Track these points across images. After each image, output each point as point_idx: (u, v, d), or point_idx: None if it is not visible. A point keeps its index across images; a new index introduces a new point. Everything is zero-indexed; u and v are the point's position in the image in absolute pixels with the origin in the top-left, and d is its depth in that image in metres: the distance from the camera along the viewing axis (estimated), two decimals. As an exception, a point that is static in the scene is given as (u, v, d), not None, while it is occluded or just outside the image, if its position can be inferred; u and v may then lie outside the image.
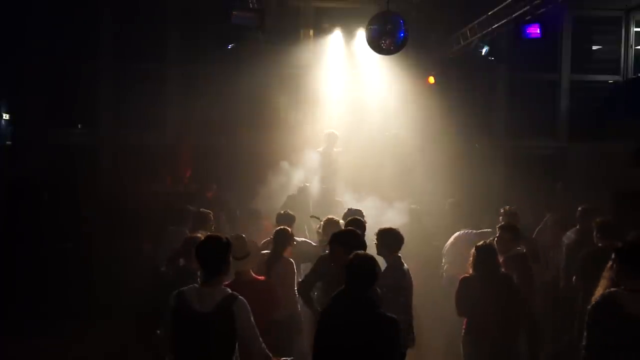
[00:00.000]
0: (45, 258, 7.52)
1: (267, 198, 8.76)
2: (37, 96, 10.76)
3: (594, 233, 6.03)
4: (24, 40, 10.27)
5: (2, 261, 7.41)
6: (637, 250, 3.78)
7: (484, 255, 5.11)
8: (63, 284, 7.34)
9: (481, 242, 5.28)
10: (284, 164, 9.31)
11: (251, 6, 8.73)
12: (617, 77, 12.12)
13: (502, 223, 6.12)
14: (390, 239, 5.03)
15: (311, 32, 11.13)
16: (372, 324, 3.54)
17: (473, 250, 5.21)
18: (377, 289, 4.74)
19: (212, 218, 6.52)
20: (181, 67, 11.29)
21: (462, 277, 5.23)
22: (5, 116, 10.99)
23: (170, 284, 4.85)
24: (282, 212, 6.80)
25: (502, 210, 6.98)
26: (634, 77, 11.92)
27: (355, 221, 5.29)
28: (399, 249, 5.05)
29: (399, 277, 4.94)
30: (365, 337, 3.51)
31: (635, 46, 12.05)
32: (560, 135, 12.09)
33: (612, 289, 3.74)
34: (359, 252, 3.77)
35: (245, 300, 3.71)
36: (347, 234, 4.52)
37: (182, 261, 5.24)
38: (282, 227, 5.82)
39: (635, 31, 12.05)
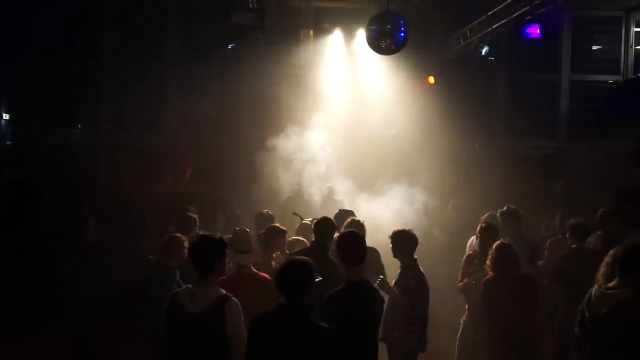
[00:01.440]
0: (45, 258, 7.51)
1: (267, 197, 8.77)
2: (37, 96, 10.76)
3: (567, 234, 6.05)
4: (24, 41, 10.25)
5: (1, 261, 7.40)
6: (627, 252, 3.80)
7: (499, 254, 5.09)
8: (63, 283, 7.32)
9: (498, 242, 5.24)
10: (290, 129, 9.11)
11: (251, 6, 8.74)
12: (617, 77, 12.15)
13: (483, 224, 6.04)
14: (405, 240, 5.01)
15: (311, 32, 11.12)
16: (301, 335, 3.34)
17: (491, 250, 5.18)
18: (397, 287, 4.78)
19: (198, 223, 6.38)
20: (181, 67, 11.29)
21: (484, 279, 5.20)
22: (5, 116, 10.99)
23: (146, 281, 5.01)
24: (263, 211, 6.72)
25: (501, 211, 6.69)
26: (634, 77, 11.93)
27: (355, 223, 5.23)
28: (414, 250, 5.03)
29: (421, 277, 4.96)
30: (293, 348, 3.33)
31: (635, 46, 12.06)
32: (560, 135, 12.10)
33: (597, 287, 3.82)
34: (294, 257, 3.52)
35: (238, 303, 3.65)
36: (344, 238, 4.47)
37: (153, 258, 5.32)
38: (272, 225, 5.76)
39: (635, 31, 12.07)
